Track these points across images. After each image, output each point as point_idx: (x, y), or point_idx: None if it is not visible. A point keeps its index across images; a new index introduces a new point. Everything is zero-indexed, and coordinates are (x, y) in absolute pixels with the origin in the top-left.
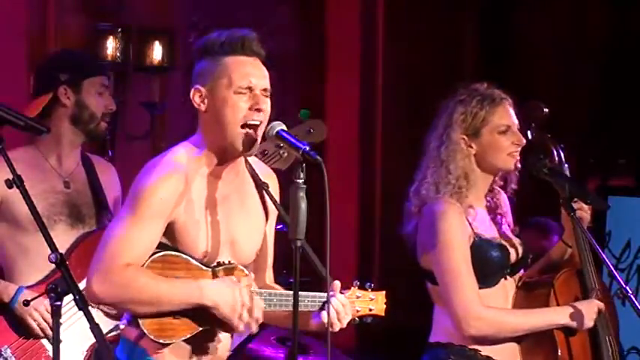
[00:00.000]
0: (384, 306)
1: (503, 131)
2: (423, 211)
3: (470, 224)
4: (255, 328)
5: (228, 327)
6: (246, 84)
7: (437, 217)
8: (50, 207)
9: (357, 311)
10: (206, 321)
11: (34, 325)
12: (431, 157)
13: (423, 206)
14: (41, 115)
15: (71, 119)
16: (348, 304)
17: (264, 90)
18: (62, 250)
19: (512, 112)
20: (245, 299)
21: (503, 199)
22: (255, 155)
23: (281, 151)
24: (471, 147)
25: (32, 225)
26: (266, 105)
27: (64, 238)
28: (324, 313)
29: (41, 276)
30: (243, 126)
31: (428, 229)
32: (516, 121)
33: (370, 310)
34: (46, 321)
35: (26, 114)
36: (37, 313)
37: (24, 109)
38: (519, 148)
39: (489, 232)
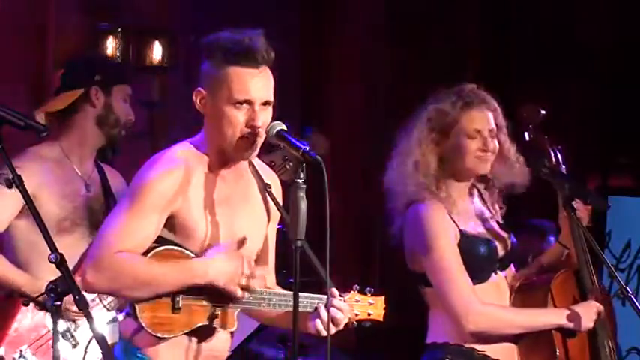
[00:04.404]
0: (383, 311)
1: (471, 136)
2: (408, 212)
3: (454, 222)
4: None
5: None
6: (244, 98)
7: (421, 219)
8: (75, 210)
9: (356, 315)
10: (205, 317)
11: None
12: (402, 154)
13: (408, 205)
14: (68, 109)
15: (97, 120)
16: (347, 309)
17: (265, 102)
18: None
19: (490, 117)
20: (244, 268)
21: (488, 192)
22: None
23: (288, 164)
24: (438, 146)
25: (53, 228)
26: (265, 117)
27: (83, 243)
28: (317, 321)
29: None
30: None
31: (414, 233)
32: (492, 127)
33: (369, 314)
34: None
35: (53, 104)
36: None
37: (51, 100)
38: (488, 154)
39: (474, 227)
